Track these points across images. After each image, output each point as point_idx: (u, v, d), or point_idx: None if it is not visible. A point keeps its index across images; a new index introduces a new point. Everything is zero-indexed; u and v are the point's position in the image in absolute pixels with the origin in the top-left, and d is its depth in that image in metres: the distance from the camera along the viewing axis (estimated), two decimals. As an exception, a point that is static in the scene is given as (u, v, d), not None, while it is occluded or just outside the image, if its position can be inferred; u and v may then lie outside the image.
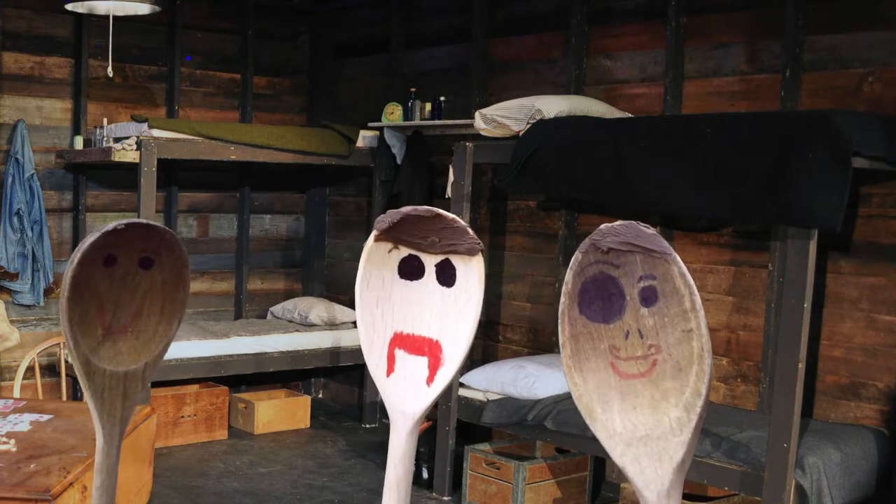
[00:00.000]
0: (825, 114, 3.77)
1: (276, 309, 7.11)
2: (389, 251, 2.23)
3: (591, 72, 5.55)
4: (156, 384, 5.94)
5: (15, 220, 6.00)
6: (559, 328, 1.91)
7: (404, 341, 2.23)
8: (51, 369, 6.16)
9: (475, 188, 5.58)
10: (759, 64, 4.81)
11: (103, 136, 6.03)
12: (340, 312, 6.85)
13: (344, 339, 6.75)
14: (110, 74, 5.69)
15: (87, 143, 6.26)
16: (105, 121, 6.22)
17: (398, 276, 2.23)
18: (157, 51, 6.76)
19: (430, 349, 2.20)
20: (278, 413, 6.53)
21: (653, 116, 5.16)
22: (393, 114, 6.44)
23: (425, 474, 5.32)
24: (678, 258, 1.78)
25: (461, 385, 5.22)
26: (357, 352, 6.74)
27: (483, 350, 6.09)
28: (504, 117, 4.94)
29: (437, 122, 6.23)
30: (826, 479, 3.93)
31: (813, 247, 3.75)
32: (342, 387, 7.31)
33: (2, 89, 6.13)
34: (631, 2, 5.37)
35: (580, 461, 5.06)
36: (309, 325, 6.78)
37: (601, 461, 5.19)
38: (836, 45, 4.53)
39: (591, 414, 1.89)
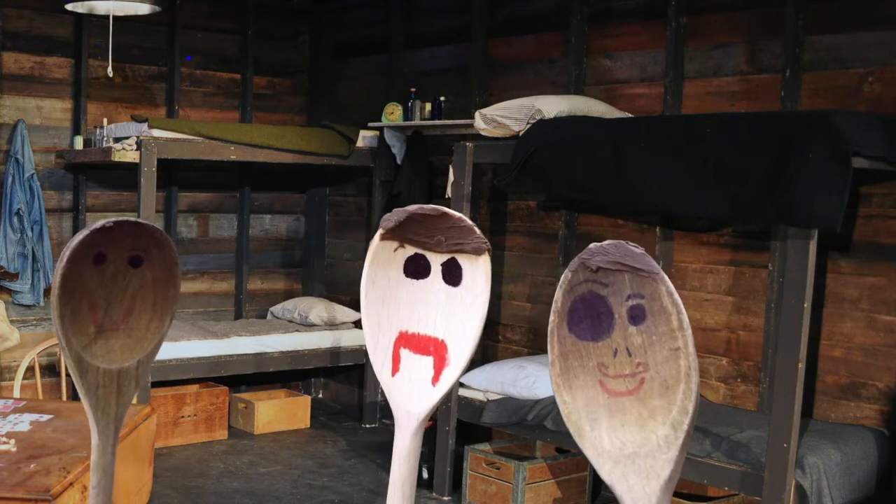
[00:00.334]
0: (825, 114, 3.77)
1: (276, 309, 7.11)
2: (395, 250, 2.22)
3: (591, 72, 5.55)
4: (156, 384, 5.94)
5: (15, 220, 6.00)
6: (549, 346, 1.93)
7: (410, 341, 2.21)
8: (51, 369, 6.16)
9: (475, 188, 5.58)
10: (759, 64, 4.81)
11: (103, 136, 6.02)
12: (340, 312, 6.85)
13: (344, 339, 6.75)
14: (110, 74, 5.69)
15: (87, 143, 6.26)
16: (105, 121, 6.22)
17: (404, 275, 2.22)
18: (157, 51, 6.76)
19: (435, 349, 2.19)
20: (278, 413, 6.53)
21: (653, 116, 5.16)
22: (393, 114, 6.44)
23: (425, 474, 5.32)
24: (666, 277, 1.80)
25: (461, 385, 5.22)
26: (357, 352, 6.75)
27: (483, 350, 6.09)
28: (504, 117, 4.94)
29: (437, 122, 6.23)
30: (826, 479, 3.93)
31: (813, 247, 3.75)
32: (342, 387, 7.31)
33: (2, 89, 6.13)
34: (631, 2, 5.37)
35: (580, 461, 5.06)
36: (309, 325, 6.78)
37: (601, 461, 5.18)
38: (836, 45, 4.52)
39: (580, 431, 1.90)
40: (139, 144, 5.67)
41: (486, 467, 4.99)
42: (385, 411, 6.77)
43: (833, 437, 4.16)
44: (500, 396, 5.02)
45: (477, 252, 2.15)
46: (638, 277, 1.83)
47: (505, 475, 4.89)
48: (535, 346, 5.84)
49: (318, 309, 6.80)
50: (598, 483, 5.18)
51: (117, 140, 5.93)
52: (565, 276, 1.90)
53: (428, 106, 6.29)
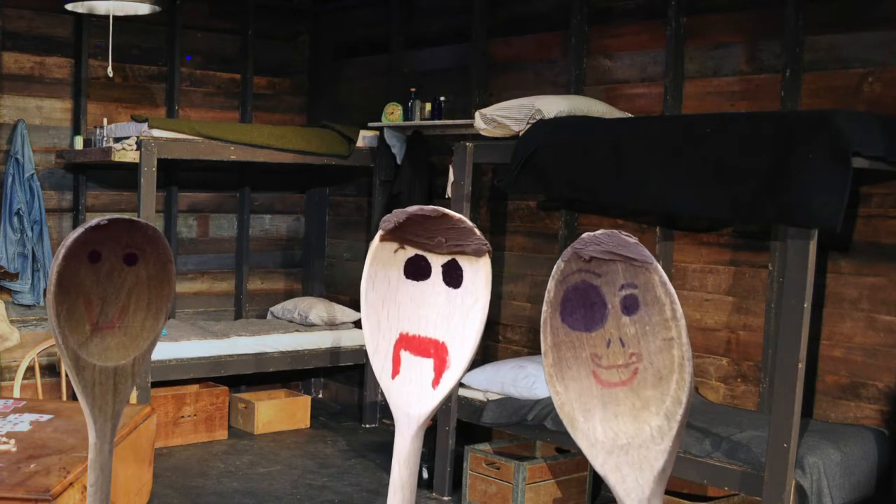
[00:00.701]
0: (825, 114, 3.77)
1: (276, 309, 7.11)
2: (395, 251, 2.22)
3: (591, 72, 5.55)
4: (156, 384, 5.94)
5: (15, 220, 6.00)
6: (541, 337, 1.92)
7: (410, 343, 2.20)
8: (51, 369, 6.16)
9: (475, 188, 5.58)
10: (759, 64, 4.81)
11: (103, 136, 6.02)
12: (340, 312, 6.85)
13: (344, 339, 6.75)
14: (110, 74, 5.69)
15: (87, 143, 6.26)
16: (105, 121, 6.22)
17: (404, 277, 2.22)
18: (157, 51, 6.76)
19: (435, 351, 2.18)
20: (278, 413, 6.53)
21: (653, 116, 5.16)
22: (393, 114, 6.44)
23: (425, 474, 5.32)
24: (659, 267, 1.79)
25: (461, 385, 5.22)
26: (357, 352, 6.75)
27: (483, 350, 6.09)
28: (504, 117, 4.94)
29: (437, 122, 6.23)
30: (826, 479, 3.93)
31: (813, 247, 3.75)
32: (342, 387, 7.31)
33: (2, 89, 6.13)
34: (631, 2, 5.37)
35: (580, 461, 5.06)
36: (309, 325, 6.78)
37: (601, 461, 5.18)
38: (836, 45, 4.52)
39: (573, 423, 1.90)
40: (139, 144, 5.67)
41: (486, 467, 4.99)
42: (385, 411, 6.77)
43: (833, 437, 4.16)
44: (500, 396, 5.02)
45: (477, 254, 2.15)
46: (631, 267, 1.82)
47: (505, 475, 4.89)
48: (535, 346, 5.84)
49: (318, 309, 6.80)
50: (598, 483, 5.18)
51: (117, 140, 5.93)
52: (558, 265, 1.90)
53: (428, 106, 6.29)
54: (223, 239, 7.15)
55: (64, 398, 4.53)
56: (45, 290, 6.18)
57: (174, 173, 6.80)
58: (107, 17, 5.45)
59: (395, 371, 2.20)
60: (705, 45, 5.03)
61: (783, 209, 3.77)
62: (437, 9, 6.54)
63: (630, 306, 1.83)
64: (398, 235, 2.19)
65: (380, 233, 2.20)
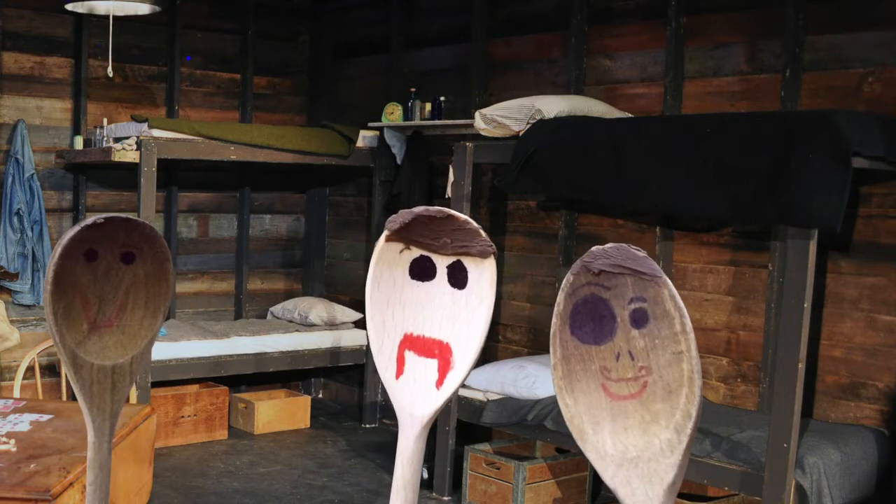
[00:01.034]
0: (825, 114, 3.77)
1: (276, 309, 7.11)
2: (401, 252, 2.22)
3: (591, 72, 5.55)
4: (156, 384, 5.94)
5: (15, 220, 6.00)
6: (551, 349, 1.93)
7: (414, 343, 2.21)
8: (51, 369, 6.16)
9: (475, 188, 5.58)
10: (759, 64, 4.81)
11: (103, 136, 6.03)
12: (340, 312, 6.85)
13: (344, 339, 6.75)
14: (110, 74, 5.69)
15: (87, 143, 6.26)
16: (105, 121, 6.22)
17: (409, 277, 2.22)
18: (157, 51, 6.76)
19: (440, 351, 2.18)
20: (278, 413, 6.53)
21: (653, 116, 5.16)
22: (393, 114, 6.44)
23: (425, 474, 5.32)
24: (668, 281, 1.80)
25: (461, 385, 5.22)
26: (357, 352, 6.75)
27: (483, 350, 6.07)
28: (504, 117, 4.94)
29: (437, 122, 6.22)
30: (826, 479, 3.93)
31: (813, 247, 3.75)
32: (342, 387, 7.31)
33: (2, 89, 6.13)
34: (631, 2, 5.37)
35: (580, 461, 5.06)
36: (309, 325, 6.78)
37: (601, 461, 5.18)
38: (836, 45, 4.52)
39: (583, 435, 1.90)
40: (139, 144, 5.67)
41: (486, 467, 4.99)
42: (385, 411, 6.77)
43: (833, 437, 4.16)
44: (500, 396, 5.02)
45: (483, 255, 2.15)
46: (640, 281, 1.83)
47: (505, 475, 4.89)
48: (535, 346, 5.84)
49: (318, 309, 6.81)
50: (598, 483, 5.19)
51: (117, 140, 5.93)
52: (567, 278, 1.90)
53: (428, 106, 6.29)
54: (223, 239, 7.15)
55: (64, 398, 4.53)
56: (45, 290, 6.17)
57: (174, 173, 6.80)
58: (107, 17, 5.45)
59: (400, 371, 2.20)
60: (705, 45, 5.03)
61: (783, 209, 3.77)
62: (437, 9, 6.54)
63: (639, 320, 1.84)
64: (404, 236, 2.19)
65: (385, 233, 2.20)
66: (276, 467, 5.69)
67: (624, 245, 1.83)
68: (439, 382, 2.17)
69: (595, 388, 1.90)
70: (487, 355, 6.02)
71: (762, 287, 4.79)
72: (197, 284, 7.02)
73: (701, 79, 5.05)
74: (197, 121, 6.50)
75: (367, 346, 6.76)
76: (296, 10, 7.37)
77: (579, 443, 1.91)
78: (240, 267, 7.18)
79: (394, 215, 2.18)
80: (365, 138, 6.65)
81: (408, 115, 6.39)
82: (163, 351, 5.91)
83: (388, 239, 2.21)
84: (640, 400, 1.86)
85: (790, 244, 3.80)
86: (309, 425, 6.64)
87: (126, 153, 5.67)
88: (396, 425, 6.86)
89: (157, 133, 5.79)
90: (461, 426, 5.32)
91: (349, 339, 6.76)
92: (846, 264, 4.50)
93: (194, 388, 6.33)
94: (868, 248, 4.43)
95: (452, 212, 2.12)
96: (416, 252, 2.21)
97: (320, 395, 7.45)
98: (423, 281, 2.21)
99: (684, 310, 1.79)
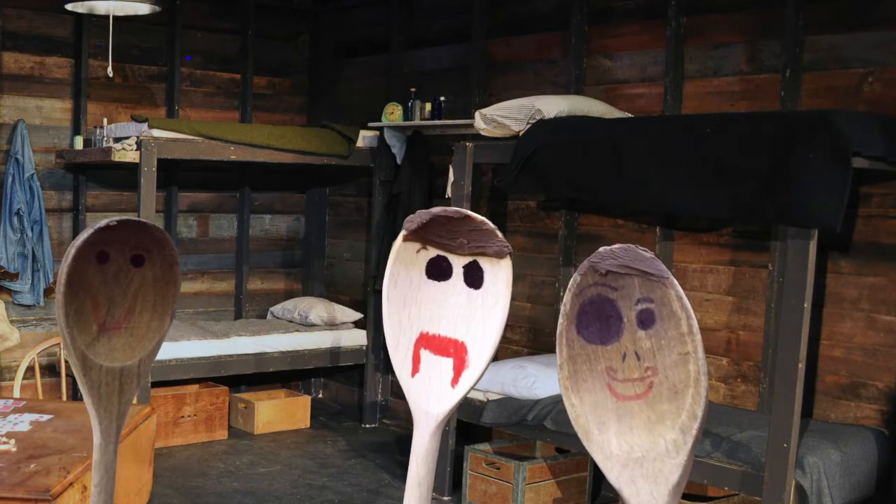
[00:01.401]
0: (825, 114, 3.77)
1: (276, 309, 7.11)
2: (418, 251, 2.24)
3: (591, 72, 5.55)
4: (156, 384, 5.94)
5: (15, 220, 6.00)
6: (557, 349, 1.93)
7: (430, 342, 2.23)
8: (51, 369, 6.16)
9: (475, 188, 5.58)
10: (759, 64, 4.81)
11: (103, 136, 6.03)
12: (340, 312, 6.85)
13: (344, 339, 6.75)
14: (110, 74, 5.69)
15: (87, 143, 6.26)
16: (105, 121, 6.22)
17: (426, 277, 2.24)
18: (157, 51, 6.76)
19: (455, 350, 2.20)
20: (278, 413, 6.53)
21: (653, 116, 5.16)
22: (393, 114, 6.44)
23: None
24: (675, 282, 1.80)
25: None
26: (357, 352, 6.75)
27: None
28: (504, 117, 4.94)
29: (437, 122, 6.22)
30: (826, 479, 3.93)
31: (813, 247, 3.75)
32: (342, 387, 7.31)
33: (2, 89, 6.13)
34: (631, 2, 5.37)
35: (580, 461, 5.06)
36: (309, 325, 6.78)
37: (601, 461, 5.18)
38: (836, 45, 4.53)
39: (588, 435, 1.91)
40: (139, 144, 5.67)
41: (486, 467, 4.99)
42: (385, 411, 6.77)
43: (833, 437, 4.16)
44: (500, 396, 5.02)
45: (499, 255, 2.19)
46: (647, 281, 1.83)
47: (505, 475, 4.89)
48: (535, 346, 5.84)
49: (318, 309, 6.81)
50: (598, 483, 5.18)
51: (117, 140, 5.93)
52: (574, 279, 1.91)
53: (428, 106, 6.29)
54: (223, 239, 7.16)
55: (64, 398, 4.53)
56: (45, 291, 6.18)
57: (174, 173, 6.80)
58: (107, 17, 5.45)
59: (415, 369, 2.23)
60: (705, 45, 5.03)
61: (783, 209, 3.77)
62: (437, 9, 6.54)
63: (646, 320, 1.84)
64: (421, 236, 2.22)
65: (403, 233, 2.23)
66: (276, 467, 5.69)
67: (631, 246, 1.84)
68: (454, 381, 2.20)
69: (601, 389, 1.91)
70: (487, 355, 6.02)
71: (762, 287, 4.79)
72: (197, 284, 7.02)
73: (701, 79, 5.05)
74: (197, 121, 6.50)
75: (367, 346, 6.77)
76: (296, 10, 7.37)
77: (585, 442, 1.91)
78: (240, 267, 7.18)
79: (411, 215, 2.21)
80: (365, 138, 6.65)
81: (408, 115, 6.39)
82: (163, 351, 5.91)
83: (406, 238, 2.23)
84: (646, 400, 1.86)
85: (790, 244, 3.80)
86: (309, 425, 6.64)
87: (126, 153, 5.67)
88: (396, 425, 6.87)
89: (157, 133, 5.79)
90: (461, 426, 5.32)
91: (349, 339, 6.76)
92: (846, 264, 4.50)
93: (194, 388, 6.33)
94: (868, 248, 4.43)
95: (469, 212, 2.15)
96: (432, 252, 2.24)
97: (320, 395, 7.45)
98: (439, 280, 2.24)
99: (691, 311, 1.79)
